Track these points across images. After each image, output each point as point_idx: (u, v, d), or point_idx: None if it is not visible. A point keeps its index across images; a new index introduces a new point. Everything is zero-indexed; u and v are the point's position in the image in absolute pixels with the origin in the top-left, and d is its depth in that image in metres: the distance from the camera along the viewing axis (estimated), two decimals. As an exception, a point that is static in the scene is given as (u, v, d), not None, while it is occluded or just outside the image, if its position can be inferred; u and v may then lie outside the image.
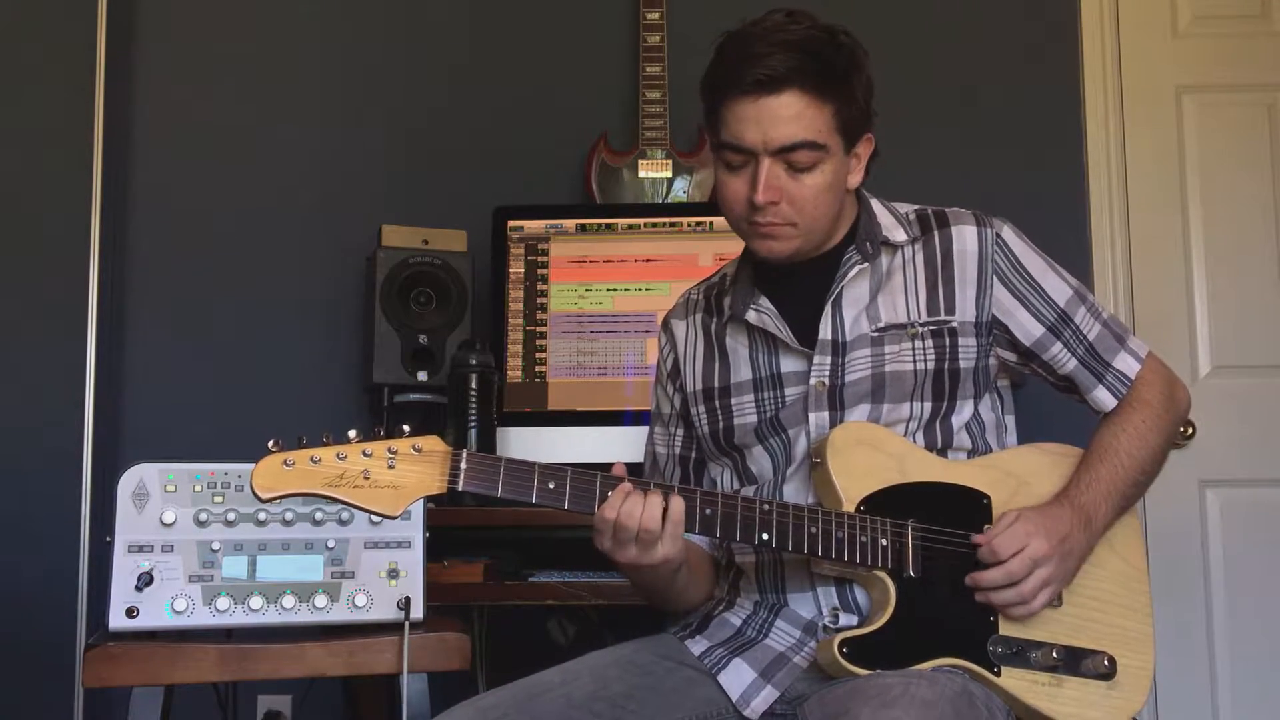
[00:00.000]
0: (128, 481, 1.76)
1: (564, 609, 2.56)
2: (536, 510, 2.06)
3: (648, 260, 2.65)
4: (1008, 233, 1.72)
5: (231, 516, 1.78)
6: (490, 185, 2.87)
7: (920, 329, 1.69)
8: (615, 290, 2.65)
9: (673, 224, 2.67)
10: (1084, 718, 1.61)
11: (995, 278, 1.70)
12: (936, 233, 1.72)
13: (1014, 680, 1.58)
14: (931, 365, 1.68)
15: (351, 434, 1.48)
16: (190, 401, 2.88)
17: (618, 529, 1.52)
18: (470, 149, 2.99)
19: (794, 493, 1.68)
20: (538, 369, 2.62)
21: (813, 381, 1.69)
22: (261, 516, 1.79)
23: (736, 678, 1.65)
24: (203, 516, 1.77)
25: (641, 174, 2.81)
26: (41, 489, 2.68)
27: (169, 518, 1.76)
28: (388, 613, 1.79)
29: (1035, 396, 1.94)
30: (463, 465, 1.50)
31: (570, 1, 3.07)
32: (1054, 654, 1.60)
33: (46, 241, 2.79)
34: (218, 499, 1.78)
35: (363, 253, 2.78)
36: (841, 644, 1.55)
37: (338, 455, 1.47)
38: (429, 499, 1.65)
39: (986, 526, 1.63)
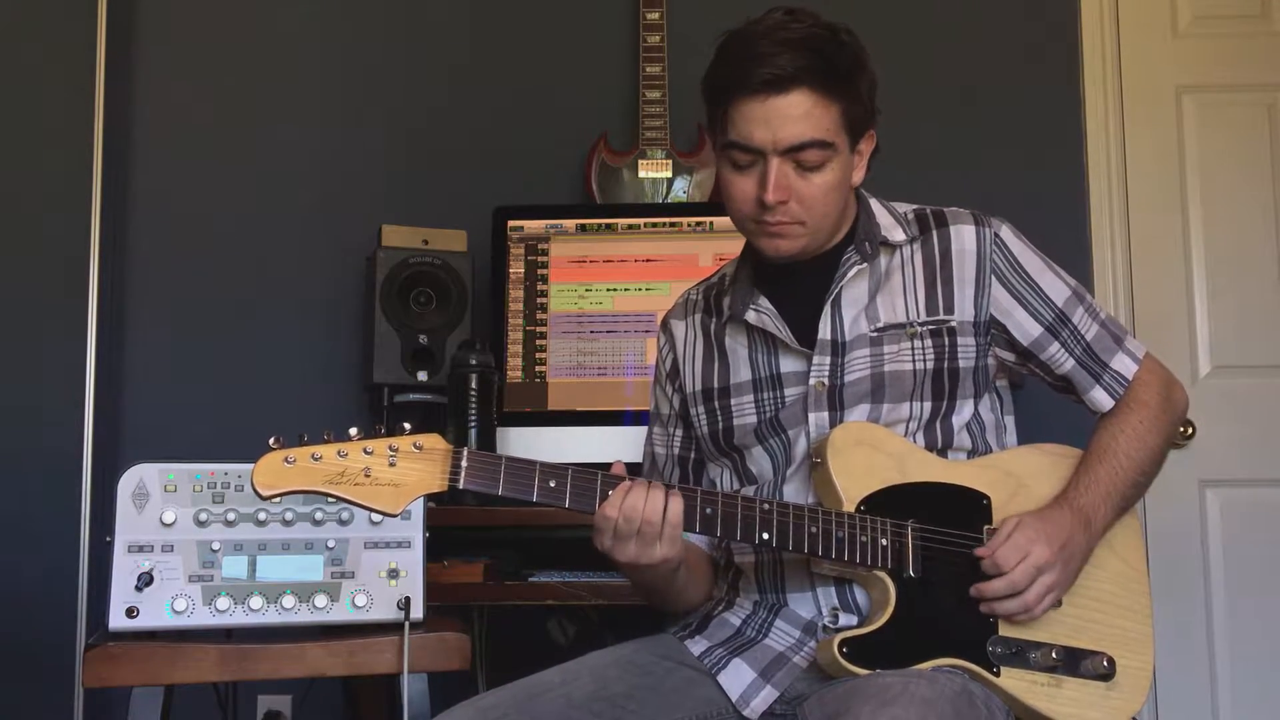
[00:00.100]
0: (128, 481, 1.76)
1: (564, 609, 2.56)
2: (536, 510, 2.07)
3: (648, 260, 2.65)
4: (1006, 232, 1.72)
5: (231, 516, 1.78)
6: (490, 185, 2.87)
7: (919, 329, 1.69)
8: (615, 290, 2.65)
9: (673, 224, 2.67)
10: (1083, 718, 1.61)
11: (993, 277, 1.70)
12: (935, 232, 1.72)
13: (1013, 680, 1.58)
14: (931, 365, 1.68)
15: (353, 432, 1.49)
16: (190, 401, 2.88)
17: (619, 524, 1.52)
18: (470, 149, 2.99)
19: (794, 493, 1.68)
20: (538, 369, 2.62)
21: (812, 382, 1.69)
22: (261, 516, 1.79)
23: (736, 678, 1.65)
24: (203, 516, 1.77)
25: (641, 174, 2.81)
26: (41, 489, 2.69)
27: (169, 518, 1.76)
28: (388, 613, 1.79)
29: (1035, 397, 1.94)
30: (464, 463, 1.50)
31: (570, 1, 3.07)
32: (1053, 654, 1.59)
33: (47, 241, 2.79)
34: (218, 499, 1.78)
35: (363, 253, 2.78)
36: (841, 644, 1.55)
37: (339, 453, 1.47)
38: (429, 498, 1.65)
39: (986, 527, 1.63)
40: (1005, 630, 1.60)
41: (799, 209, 1.63)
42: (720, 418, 1.76)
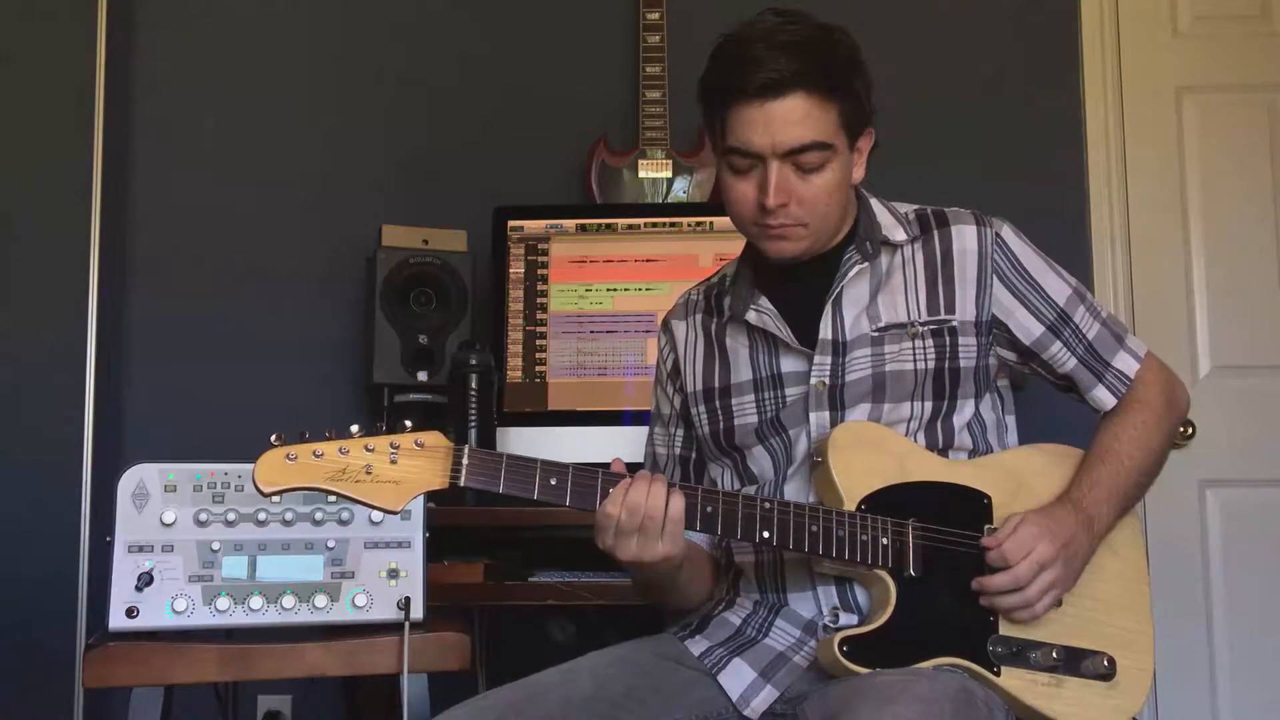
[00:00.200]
0: (128, 481, 1.76)
1: (564, 609, 2.55)
2: (537, 510, 2.07)
3: (648, 260, 2.65)
4: (1007, 232, 1.72)
5: (231, 516, 1.78)
6: (490, 185, 2.87)
7: (920, 328, 1.69)
8: (615, 290, 2.65)
9: (673, 224, 2.67)
10: (1083, 718, 1.60)
11: (995, 277, 1.70)
12: (936, 232, 1.72)
13: (1014, 680, 1.58)
14: (932, 365, 1.68)
15: (354, 429, 1.49)
16: (190, 402, 2.88)
17: (621, 520, 1.52)
18: (470, 149, 2.99)
19: (794, 493, 1.68)
20: (538, 369, 2.62)
21: (813, 381, 1.69)
22: (261, 516, 1.79)
23: (736, 678, 1.65)
24: (203, 516, 1.77)
25: (641, 174, 2.81)
26: (41, 489, 2.68)
27: (169, 518, 1.76)
28: (388, 613, 1.79)
29: (1036, 397, 1.94)
30: (465, 461, 1.50)
31: (570, 1, 3.07)
32: (1054, 654, 1.59)
33: (47, 242, 2.79)
34: (218, 499, 1.78)
35: (363, 253, 2.78)
36: (842, 643, 1.55)
37: (340, 450, 1.47)
38: (430, 497, 1.66)
39: (987, 526, 1.63)
40: (1006, 630, 1.60)
41: (800, 211, 1.63)
42: (721, 417, 1.76)
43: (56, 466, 2.68)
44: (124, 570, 1.73)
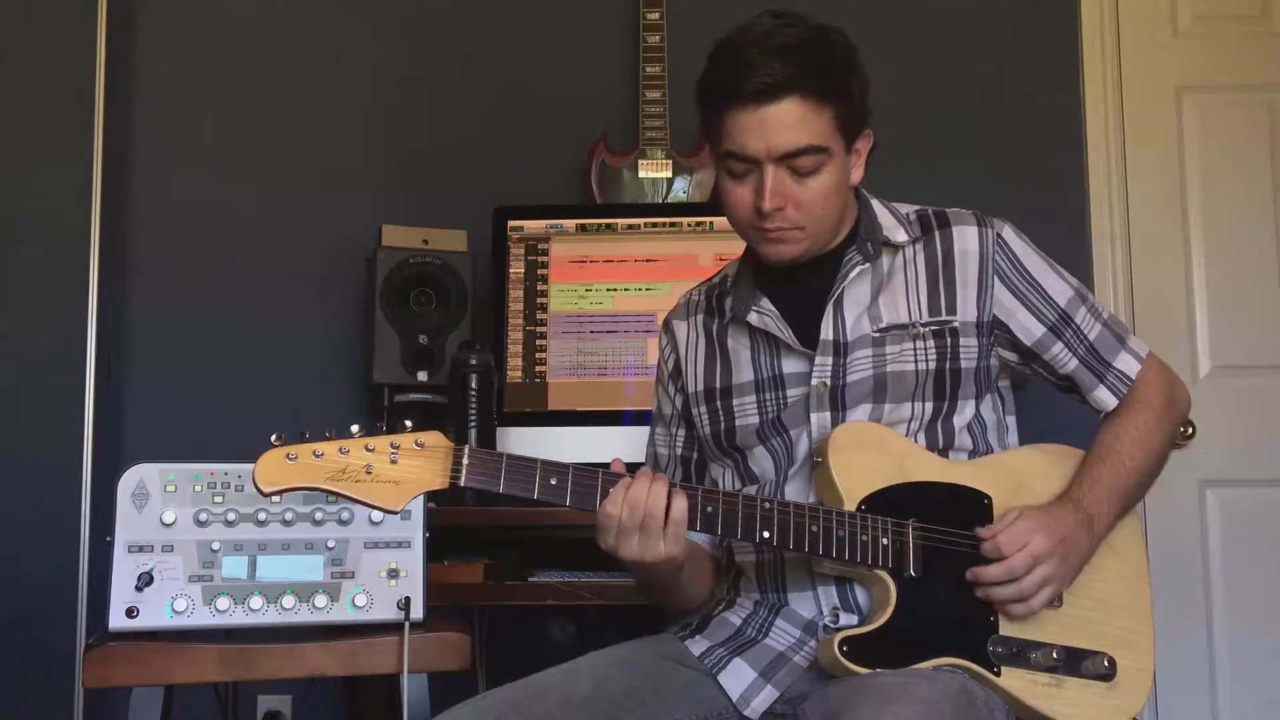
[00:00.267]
0: (128, 481, 1.76)
1: (564, 609, 2.55)
2: (537, 510, 2.07)
3: (648, 260, 2.65)
4: (1008, 233, 1.72)
5: (231, 516, 1.78)
6: (490, 185, 2.87)
7: (922, 329, 1.69)
8: (615, 290, 2.65)
9: (673, 224, 2.67)
10: (1083, 718, 1.60)
11: (996, 278, 1.70)
12: (937, 233, 1.72)
13: (1014, 680, 1.58)
14: (933, 365, 1.68)
15: (354, 429, 1.49)
16: (190, 401, 2.88)
17: (623, 518, 1.52)
18: (470, 149, 2.99)
19: (795, 493, 1.68)
20: (538, 369, 2.62)
21: (814, 382, 1.69)
22: (261, 516, 1.79)
23: (736, 678, 1.65)
24: (203, 516, 1.77)
25: (641, 174, 2.81)
26: (41, 489, 2.68)
27: (169, 518, 1.76)
28: (388, 613, 1.78)
29: (1036, 397, 1.94)
30: (465, 460, 1.50)
31: (570, 1, 3.07)
32: (1054, 654, 1.59)
33: (47, 242, 2.78)
34: (218, 499, 1.78)
35: (363, 253, 2.78)
36: (842, 643, 1.55)
37: (340, 450, 1.47)
38: (430, 497, 1.66)
39: (991, 526, 1.62)
40: (1006, 630, 1.60)
41: (797, 214, 1.63)
42: (722, 418, 1.76)
43: (56, 466, 2.68)
44: (124, 570, 1.73)
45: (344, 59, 3.04)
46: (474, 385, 2.40)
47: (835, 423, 1.67)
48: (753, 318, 1.73)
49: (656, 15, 2.86)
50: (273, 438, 1.47)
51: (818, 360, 1.69)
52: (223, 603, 1.76)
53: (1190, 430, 2.88)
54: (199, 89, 3.00)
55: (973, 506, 1.64)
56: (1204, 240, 2.99)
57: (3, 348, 2.73)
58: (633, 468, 1.58)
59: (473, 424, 2.38)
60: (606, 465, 1.57)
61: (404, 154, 3.00)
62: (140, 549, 1.75)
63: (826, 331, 1.69)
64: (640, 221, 2.67)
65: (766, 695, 1.63)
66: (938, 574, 1.60)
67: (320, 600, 1.78)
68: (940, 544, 1.61)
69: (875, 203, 1.76)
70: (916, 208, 1.77)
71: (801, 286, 1.71)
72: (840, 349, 1.68)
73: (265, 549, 1.78)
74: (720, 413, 1.77)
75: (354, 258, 2.85)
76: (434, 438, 1.50)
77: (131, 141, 2.96)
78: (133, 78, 2.97)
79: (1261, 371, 2.95)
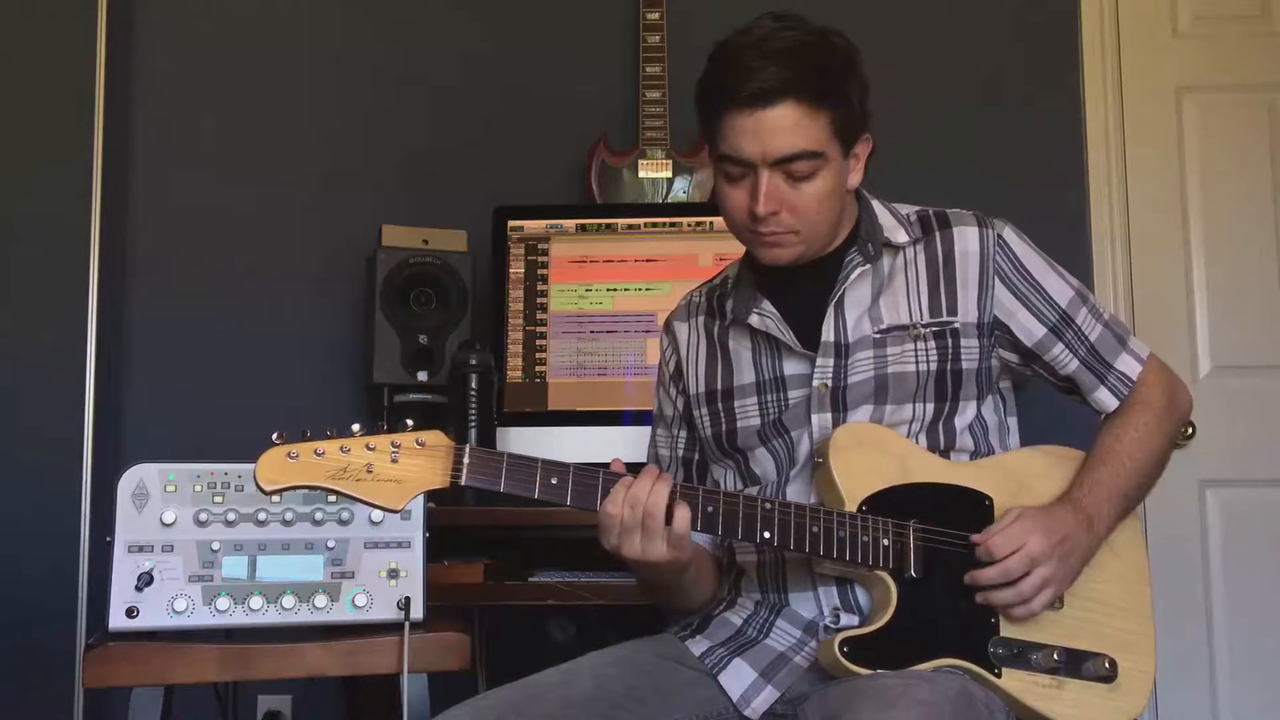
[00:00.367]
0: (128, 481, 1.76)
1: (564, 609, 2.55)
2: (537, 510, 2.07)
3: (648, 260, 2.65)
4: (1009, 233, 1.72)
5: (231, 516, 1.78)
6: (490, 185, 2.87)
7: (923, 330, 1.68)
8: (615, 290, 2.65)
9: (673, 224, 2.67)
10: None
11: (997, 278, 1.70)
12: (938, 234, 1.72)
13: (1015, 682, 1.58)
14: (934, 366, 1.68)
15: (355, 428, 1.49)
16: (190, 401, 2.88)
17: (624, 517, 1.52)
18: (470, 149, 2.99)
19: (797, 494, 1.68)
20: (538, 369, 2.62)
21: (815, 384, 1.69)
22: (261, 516, 1.79)
23: (737, 678, 1.65)
24: (203, 516, 1.77)
25: (641, 174, 2.81)
26: (41, 489, 2.68)
27: (169, 518, 1.75)
28: (388, 613, 1.78)
29: (1037, 398, 1.94)
30: (465, 460, 1.50)
31: (570, 1, 3.07)
32: (1055, 656, 1.59)
33: (47, 242, 2.78)
34: (218, 499, 1.78)
35: (363, 253, 2.78)
36: (842, 644, 1.55)
37: (341, 448, 1.47)
38: (430, 497, 1.66)
39: (986, 528, 1.62)
40: (1007, 631, 1.60)
41: (791, 218, 1.63)
42: (724, 420, 1.76)
43: (56, 466, 2.68)
44: (124, 570, 1.73)
45: (344, 59, 3.04)
46: (474, 385, 2.40)
47: (836, 424, 1.66)
48: (754, 320, 1.73)
49: (656, 15, 2.86)
50: (274, 436, 1.47)
51: (819, 362, 1.68)
52: (223, 603, 1.75)
53: (1190, 430, 2.88)
54: (199, 89, 3.00)
55: (974, 508, 1.64)
56: (1204, 240, 2.99)
57: (3, 348, 2.74)
58: (632, 468, 1.58)
59: (473, 424, 2.38)
60: (606, 465, 1.57)
61: (404, 154, 3.00)
62: (140, 549, 1.75)
63: (827, 333, 1.69)
64: (640, 221, 2.67)
65: (767, 695, 1.63)
66: (938, 575, 1.59)
67: (320, 600, 1.78)
68: (941, 545, 1.60)
69: (876, 203, 1.76)
70: (917, 208, 1.77)
71: (802, 288, 1.71)
72: (841, 350, 1.68)
73: (265, 549, 1.78)
74: (721, 414, 1.77)
75: (354, 258, 2.85)
76: (435, 437, 1.50)
77: (131, 141, 2.96)
78: (133, 78, 2.97)
79: (1261, 371, 2.95)
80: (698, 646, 1.70)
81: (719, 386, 1.78)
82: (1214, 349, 2.96)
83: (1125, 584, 1.69)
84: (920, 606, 1.58)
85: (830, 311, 1.69)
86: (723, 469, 1.80)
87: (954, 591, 1.60)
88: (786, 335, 1.70)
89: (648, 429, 1.93)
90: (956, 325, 1.69)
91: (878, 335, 1.68)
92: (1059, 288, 1.73)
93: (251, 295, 2.93)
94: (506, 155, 2.98)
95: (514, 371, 2.62)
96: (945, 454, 1.68)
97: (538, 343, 2.63)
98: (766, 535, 1.56)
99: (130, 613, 1.72)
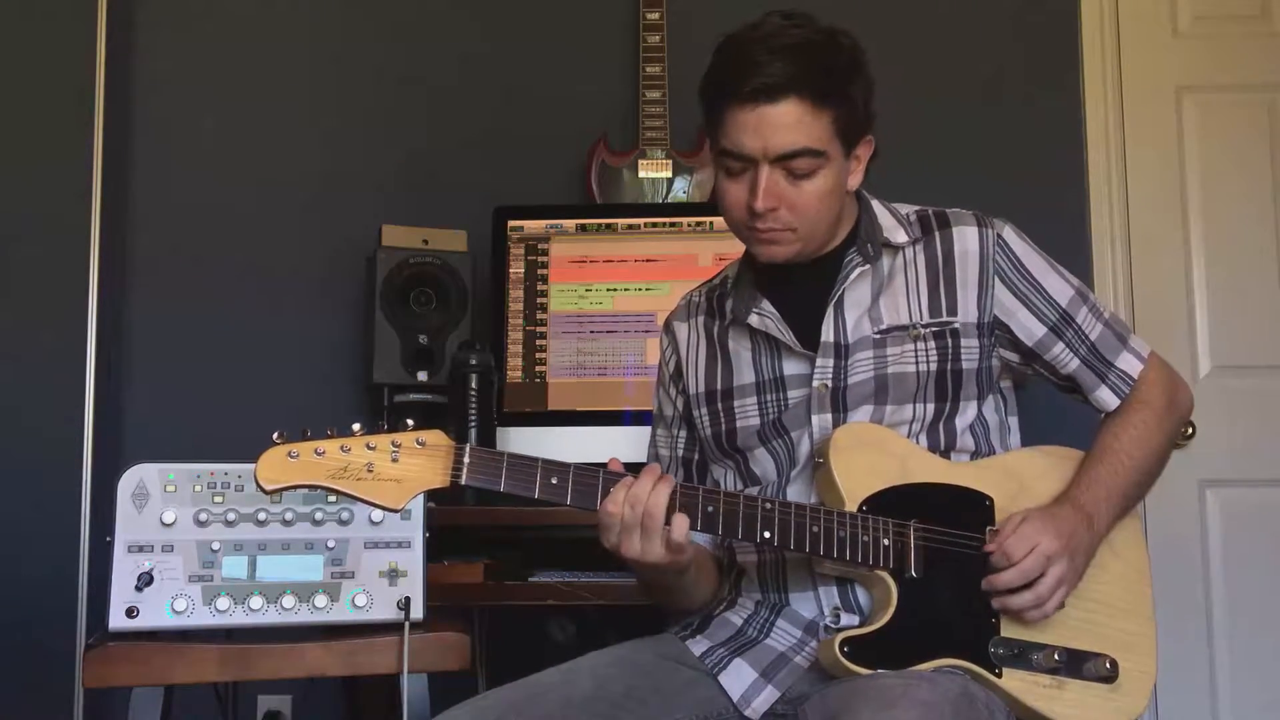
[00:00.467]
0: (128, 481, 1.76)
1: (564, 609, 2.55)
2: (537, 510, 2.07)
3: (648, 260, 2.65)
4: (1009, 233, 1.72)
5: (231, 516, 1.78)
6: (490, 185, 2.87)
7: (923, 330, 1.68)
8: (615, 290, 2.65)
9: (673, 224, 2.67)
10: None
11: (997, 278, 1.70)
12: (937, 234, 1.72)
13: (1015, 682, 1.58)
14: (934, 367, 1.68)
15: (355, 427, 1.49)
16: (190, 401, 2.88)
17: (625, 516, 1.52)
18: (470, 149, 2.99)
19: (797, 495, 1.68)
20: (538, 369, 2.62)
21: (815, 384, 1.69)
22: (261, 516, 1.79)
23: (737, 678, 1.65)
24: (203, 516, 1.77)
25: (641, 174, 2.81)
26: (41, 489, 2.68)
27: (169, 518, 1.75)
28: (388, 613, 1.78)
29: (1038, 398, 1.94)
30: (466, 459, 1.50)
31: (570, 1, 3.07)
32: (1055, 656, 1.59)
33: (47, 242, 2.78)
34: (218, 499, 1.78)
35: (363, 253, 2.78)
36: (843, 644, 1.55)
37: (341, 448, 1.47)
38: (430, 497, 1.66)
39: (989, 528, 1.62)
40: (1007, 631, 1.60)
41: (790, 216, 1.63)
42: (723, 420, 1.76)
43: (56, 466, 2.68)
44: (124, 570, 1.73)
45: (344, 59, 3.04)
46: (474, 385, 2.40)
47: (837, 424, 1.66)
48: (753, 319, 1.72)
49: (656, 15, 2.86)
50: (275, 436, 1.47)
51: (819, 362, 1.68)
52: (223, 603, 1.75)
53: (1190, 430, 2.88)
54: (199, 89, 3.00)
55: (974, 508, 1.64)
56: (1204, 240, 2.99)
57: (3, 348, 2.73)
58: (631, 467, 1.58)
59: (473, 424, 2.38)
60: (605, 465, 1.57)
61: (404, 154, 3.00)
62: (140, 549, 1.75)
63: (827, 333, 1.68)
64: (640, 221, 2.67)
65: (767, 696, 1.63)
66: (939, 575, 1.59)
67: (320, 600, 1.78)
68: (941, 545, 1.60)
69: (875, 203, 1.76)
70: (916, 208, 1.77)
71: (802, 288, 1.71)
72: (841, 351, 1.68)
73: (265, 549, 1.78)
74: (721, 414, 1.77)
75: (354, 258, 2.85)
76: (435, 436, 1.50)
77: (131, 141, 2.96)
78: (133, 78, 2.97)
79: (1261, 371, 2.95)
80: (698, 646, 1.70)
81: (719, 386, 1.77)
82: (1214, 349, 2.96)
83: (1126, 584, 1.69)
84: (921, 606, 1.58)
85: (830, 312, 1.69)
86: (722, 469, 1.80)
87: (955, 591, 1.60)
88: (786, 335, 1.70)
89: (648, 429, 1.93)
90: (956, 325, 1.69)
91: (878, 335, 1.68)
92: (1059, 287, 1.73)
93: (251, 295, 2.93)
94: (506, 155, 2.98)
95: (514, 371, 2.62)
96: (946, 454, 1.68)
97: (538, 343, 2.63)
98: (767, 535, 1.56)
99: (130, 613, 1.72)
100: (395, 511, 1.56)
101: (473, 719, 1.57)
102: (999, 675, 1.58)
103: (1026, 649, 1.59)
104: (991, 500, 1.65)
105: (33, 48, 2.83)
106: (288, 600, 1.77)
